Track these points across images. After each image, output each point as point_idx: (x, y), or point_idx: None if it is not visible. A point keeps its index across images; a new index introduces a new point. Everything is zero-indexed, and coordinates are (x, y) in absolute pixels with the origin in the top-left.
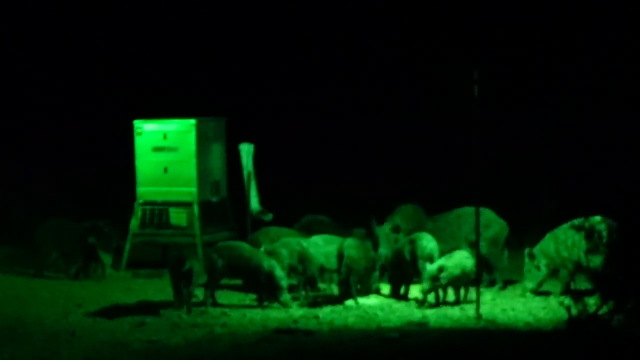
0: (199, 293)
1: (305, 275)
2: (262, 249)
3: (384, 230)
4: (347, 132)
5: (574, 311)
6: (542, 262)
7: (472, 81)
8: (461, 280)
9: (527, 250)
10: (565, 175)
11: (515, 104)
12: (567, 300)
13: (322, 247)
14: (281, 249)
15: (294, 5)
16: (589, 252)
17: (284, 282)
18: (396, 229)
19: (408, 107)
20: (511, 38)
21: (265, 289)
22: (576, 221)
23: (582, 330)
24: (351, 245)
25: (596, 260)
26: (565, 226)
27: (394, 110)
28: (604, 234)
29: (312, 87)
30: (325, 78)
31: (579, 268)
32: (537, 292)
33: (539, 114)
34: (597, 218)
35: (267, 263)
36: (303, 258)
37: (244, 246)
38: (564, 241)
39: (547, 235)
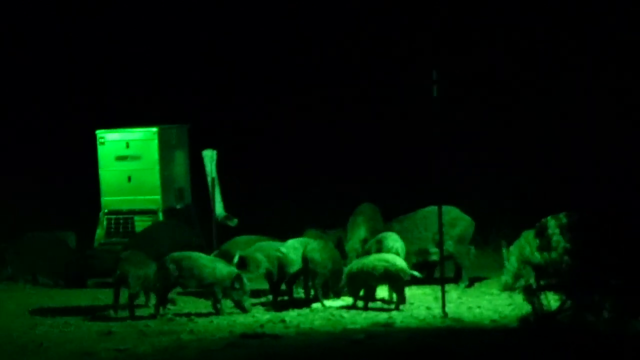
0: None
1: (284, 281)
2: (236, 257)
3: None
4: (309, 135)
5: (538, 307)
6: (513, 258)
7: (431, 81)
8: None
9: (503, 244)
10: (528, 173)
11: (477, 103)
12: (529, 297)
13: (300, 250)
14: (256, 254)
15: (257, 7)
16: (542, 249)
17: (246, 288)
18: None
19: (370, 108)
20: (473, 38)
21: (229, 296)
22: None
23: (546, 326)
24: (314, 248)
25: (553, 257)
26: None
27: (356, 111)
28: (555, 231)
29: (274, 92)
30: (285, 82)
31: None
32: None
33: (501, 113)
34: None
35: (228, 270)
36: (284, 263)
37: (202, 256)
38: (528, 240)
39: (522, 233)
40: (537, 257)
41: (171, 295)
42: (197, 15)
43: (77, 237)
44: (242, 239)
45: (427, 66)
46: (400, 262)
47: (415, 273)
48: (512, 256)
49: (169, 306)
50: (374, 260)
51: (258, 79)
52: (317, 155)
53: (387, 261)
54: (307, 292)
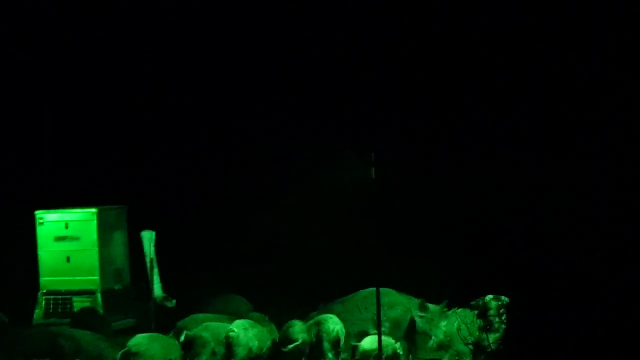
0: None
1: None
2: (182, 336)
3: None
4: (246, 218)
5: None
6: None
7: (369, 162)
8: None
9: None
10: (465, 252)
11: (415, 182)
12: None
13: (250, 331)
14: (203, 333)
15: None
16: (483, 329)
17: None
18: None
19: (307, 190)
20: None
21: None
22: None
23: None
24: (239, 325)
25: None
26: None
27: (294, 193)
28: (494, 312)
29: (213, 174)
30: (223, 165)
31: (477, 346)
32: None
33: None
34: (490, 296)
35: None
36: (233, 343)
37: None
38: (464, 320)
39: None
40: (476, 335)
41: None
42: (136, 100)
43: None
44: (200, 316)
45: (365, 148)
46: None
47: None
48: (439, 330)
49: None
50: None
51: (190, 164)
52: (260, 236)
53: None
54: None
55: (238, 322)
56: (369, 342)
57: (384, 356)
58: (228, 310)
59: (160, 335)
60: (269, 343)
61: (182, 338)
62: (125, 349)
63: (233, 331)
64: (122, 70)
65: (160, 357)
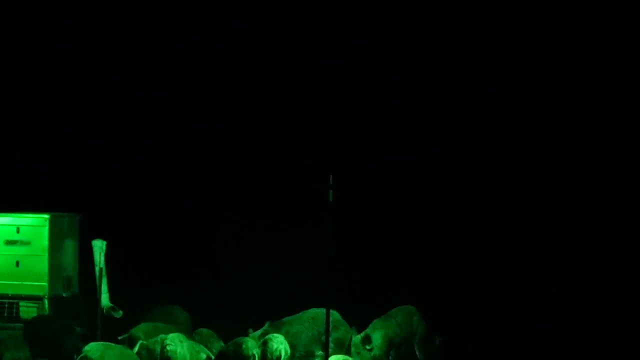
0: None
1: None
2: (137, 346)
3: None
4: (199, 233)
5: None
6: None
7: (327, 186)
8: None
9: (360, 335)
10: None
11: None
12: None
13: (185, 344)
14: (156, 346)
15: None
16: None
17: None
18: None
19: (261, 212)
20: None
21: None
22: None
23: None
24: (174, 339)
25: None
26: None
27: (247, 215)
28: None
29: (167, 184)
30: (179, 177)
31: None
32: None
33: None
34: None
35: None
36: (172, 357)
37: None
38: (400, 324)
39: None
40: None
41: None
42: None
43: None
44: (150, 325)
45: (324, 171)
46: None
47: None
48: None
49: None
50: None
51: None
52: (213, 251)
53: None
54: None
55: (172, 335)
56: None
57: None
58: (166, 321)
59: (114, 344)
60: (201, 357)
61: (137, 348)
62: (82, 354)
63: (170, 345)
64: (76, 72)
65: None
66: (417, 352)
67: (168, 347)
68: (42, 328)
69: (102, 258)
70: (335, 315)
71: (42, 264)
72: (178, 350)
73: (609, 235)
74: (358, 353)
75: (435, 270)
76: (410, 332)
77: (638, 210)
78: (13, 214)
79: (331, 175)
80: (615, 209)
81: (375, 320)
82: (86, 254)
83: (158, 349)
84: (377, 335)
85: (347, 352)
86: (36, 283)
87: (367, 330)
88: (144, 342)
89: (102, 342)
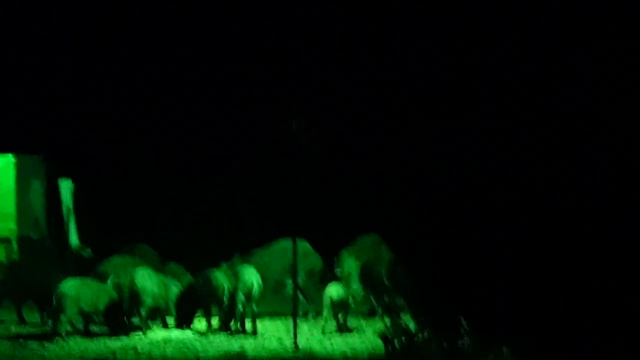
0: None
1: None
2: (109, 282)
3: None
4: (171, 168)
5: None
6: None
7: (293, 114)
8: None
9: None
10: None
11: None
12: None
13: (155, 278)
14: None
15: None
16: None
17: None
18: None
19: (234, 150)
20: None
21: None
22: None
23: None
24: (143, 275)
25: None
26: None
27: (222, 151)
28: None
29: (138, 122)
30: (155, 114)
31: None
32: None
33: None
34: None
35: None
36: (140, 292)
37: None
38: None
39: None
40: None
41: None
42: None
43: None
44: (118, 260)
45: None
46: None
47: None
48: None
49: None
50: None
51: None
52: (182, 189)
53: None
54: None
55: (141, 271)
56: (334, 290)
57: None
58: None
59: (91, 280)
60: (172, 291)
61: (110, 283)
62: (57, 290)
63: (139, 280)
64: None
65: (90, 300)
66: (384, 280)
67: (137, 282)
68: (24, 271)
69: (70, 197)
70: (304, 245)
71: (9, 206)
72: (147, 286)
73: None
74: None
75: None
76: (377, 258)
77: None
78: None
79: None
80: None
81: (344, 249)
82: (53, 195)
83: (127, 283)
84: (350, 261)
85: (320, 281)
86: (3, 225)
87: (340, 256)
88: (115, 278)
89: (79, 278)
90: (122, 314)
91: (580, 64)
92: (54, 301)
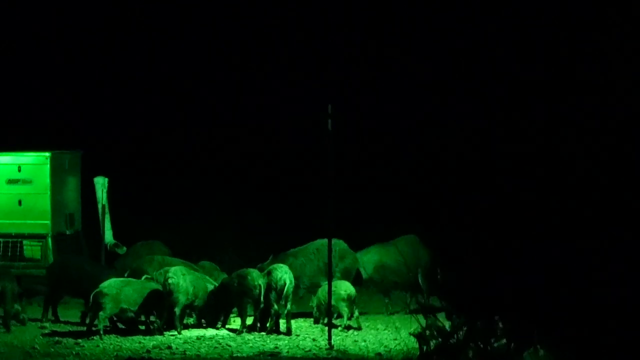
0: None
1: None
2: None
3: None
4: (203, 167)
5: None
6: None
7: (326, 115)
8: None
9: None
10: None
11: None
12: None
13: (188, 277)
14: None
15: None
16: None
17: None
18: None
19: (264, 141)
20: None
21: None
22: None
23: None
24: (177, 272)
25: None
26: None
27: (250, 145)
28: None
29: (169, 123)
30: (182, 114)
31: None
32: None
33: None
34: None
35: None
36: (173, 290)
37: None
38: (401, 251)
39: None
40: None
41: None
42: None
43: None
44: (157, 257)
45: (323, 100)
46: None
47: None
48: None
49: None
50: None
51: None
52: (212, 186)
53: None
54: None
55: (175, 268)
56: (346, 286)
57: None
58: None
59: (134, 280)
60: (204, 289)
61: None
62: (98, 289)
63: (173, 277)
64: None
65: (133, 300)
66: (420, 283)
67: (170, 280)
68: (70, 266)
69: (105, 195)
70: (341, 244)
71: (45, 202)
72: (180, 283)
73: None
74: None
75: (439, 201)
76: (415, 262)
77: None
78: (14, 153)
79: (330, 105)
80: None
81: (373, 245)
82: (88, 192)
83: (161, 280)
84: (369, 258)
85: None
86: (39, 221)
87: (360, 253)
88: (148, 275)
89: (121, 279)
90: (162, 312)
91: None
92: (92, 299)
